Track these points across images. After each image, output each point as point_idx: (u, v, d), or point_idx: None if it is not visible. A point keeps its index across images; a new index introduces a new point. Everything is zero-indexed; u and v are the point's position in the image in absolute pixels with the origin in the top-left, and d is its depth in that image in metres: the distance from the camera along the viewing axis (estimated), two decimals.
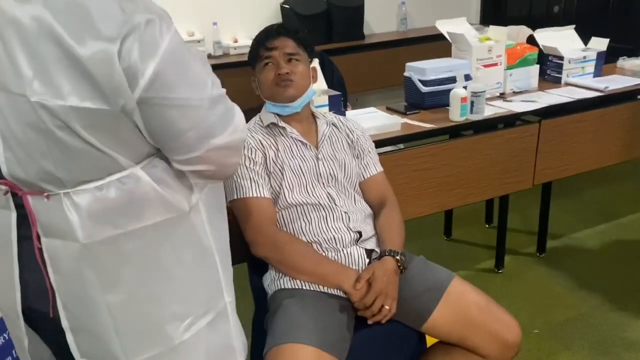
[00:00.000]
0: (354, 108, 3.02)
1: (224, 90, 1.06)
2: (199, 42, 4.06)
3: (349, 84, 3.57)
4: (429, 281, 1.64)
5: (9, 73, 0.90)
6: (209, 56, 4.08)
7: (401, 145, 2.50)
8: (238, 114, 1.08)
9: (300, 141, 1.69)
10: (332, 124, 1.79)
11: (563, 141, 2.63)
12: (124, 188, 1.00)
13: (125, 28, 0.89)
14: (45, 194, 0.98)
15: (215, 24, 4.15)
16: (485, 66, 2.59)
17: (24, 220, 1.02)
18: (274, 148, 1.65)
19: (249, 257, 1.68)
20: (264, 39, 1.67)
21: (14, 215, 1.03)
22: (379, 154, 2.33)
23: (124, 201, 1.00)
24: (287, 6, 4.28)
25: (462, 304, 1.60)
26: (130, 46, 0.89)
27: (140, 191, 1.02)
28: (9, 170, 0.98)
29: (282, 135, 1.69)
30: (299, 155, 1.68)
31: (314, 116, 1.78)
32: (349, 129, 1.81)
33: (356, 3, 4.46)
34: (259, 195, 1.60)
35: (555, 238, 3.03)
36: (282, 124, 1.68)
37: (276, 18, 4.38)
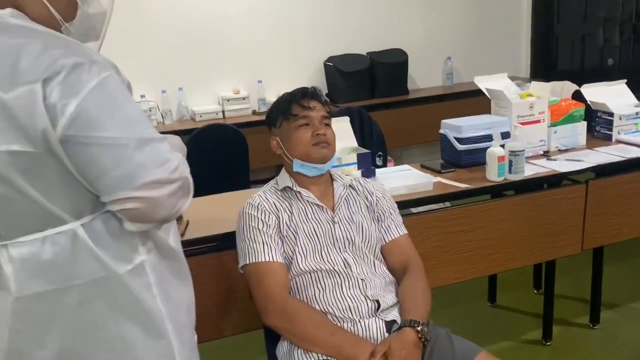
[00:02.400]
0: (397, 162, 2.96)
1: (162, 136, 1.04)
2: (244, 99, 4.14)
3: (393, 139, 3.53)
4: (451, 357, 1.51)
5: None
6: (254, 112, 4.14)
7: (448, 203, 2.39)
8: (174, 158, 1.03)
9: (315, 204, 1.62)
10: (350, 186, 1.72)
11: (614, 203, 2.44)
12: (60, 244, 1.01)
13: (50, 70, 0.93)
14: None
15: (260, 81, 4.23)
16: (527, 123, 2.47)
17: None
18: (288, 211, 1.59)
19: (265, 325, 1.60)
20: (300, 98, 1.65)
21: None
22: (412, 214, 2.25)
23: (59, 257, 1.02)
24: (330, 64, 4.32)
25: None
26: (53, 87, 0.93)
27: (76, 249, 1.02)
28: None
29: (298, 199, 1.63)
30: (313, 218, 1.60)
31: (331, 178, 1.71)
32: (368, 190, 1.73)
33: (400, 59, 4.46)
34: (270, 259, 1.53)
35: (609, 307, 2.78)
36: (297, 188, 1.63)
37: (320, 75, 4.43)
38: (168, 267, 1.14)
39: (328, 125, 1.67)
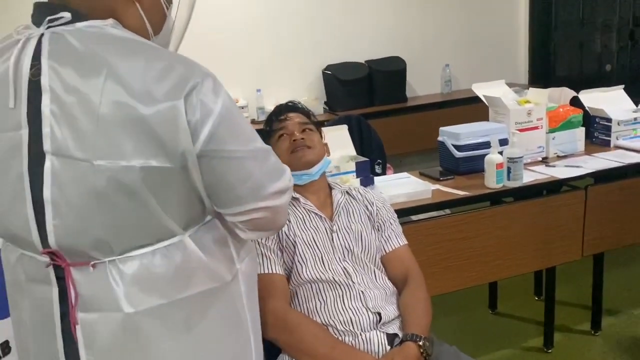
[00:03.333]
0: (396, 170, 2.95)
1: (270, 147, 1.10)
2: (242, 108, 4.14)
3: (392, 146, 3.52)
4: None
5: (69, 139, 0.92)
6: (253, 121, 4.14)
7: (448, 211, 2.39)
8: (287, 167, 1.12)
9: (314, 213, 1.62)
10: (347, 192, 1.72)
11: (614, 209, 2.44)
12: (171, 256, 0.99)
13: (188, 86, 0.93)
14: (92, 262, 0.97)
15: (259, 90, 4.24)
16: (525, 130, 2.48)
17: (65, 295, 1.00)
18: (286, 221, 1.59)
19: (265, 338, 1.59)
20: (277, 113, 1.70)
21: (55, 290, 1.01)
22: (412, 222, 2.24)
23: (170, 269, 0.99)
24: (328, 72, 4.33)
25: None
26: (193, 102, 0.93)
27: (186, 259, 1.01)
28: (56, 239, 0.96)
29: (295, 207, 1.62)
30: (312, 226, 1.60)
31: (330, 187, 1.71)
32: (368, 200, 1.72)
33: (398, 67, 4.46)
34: (270, 271, 1.53)
35: (611, 314, 2.77)
36: (295, 195, 1.62)
37: (318, 84, 4.43)
38: (252, 272, 1.16)
39: (308, 130, 1.68)
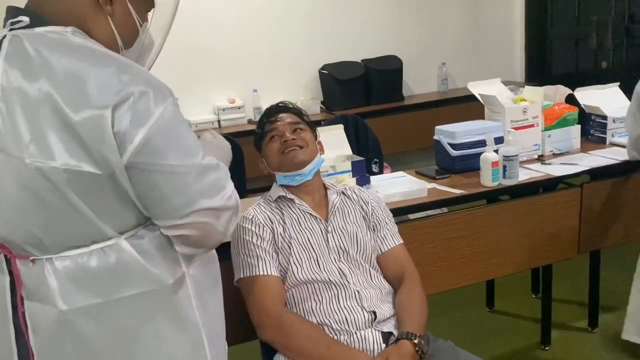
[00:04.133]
0: (394, 169, 2.96)
1: (217, 162, 1.08)
2: (239, 108, 4.14)
3: (390, 145, 3.53)
4: None
5: (9, 137, 0.97)
6: (249, 122, 4.15)
7: (445, 209, 2.40)
8: (229, 186, 1.09)
9: (309, 214, 1.62)
10: (342, 192, 1.72)
11: (609, 206, 2.44)
12: (106, 258, 1.03)
13: (119, 96, 0.95)
14: (31, 258, 1.02)
15: (255, 90, 4.24)
16: (521, 128, 2.48)
17: (15, 285, 1.05)
18: (281, 223, 1.59)
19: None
20: (267, 116, 1.70)
21: (7, 279, 1.06)
22: (408, 221, 2.25)
23: (105, 270, 1.03)
24: (325, 72, 4.33)
25: None
26: (122, 113, 0.95)
27: (122, 262, 1.03)
28: None
29: (290, 208, 1.62)
30: (307, 227, 1.60)
31: (325, 188, 1.71)
32: (363, 200, 1.72)
33: (394, 66, 4.47)
34: (266, 273, 1.53)
35: (608, 310, 2.77)
36: (290, 195, 1.63)
37: (315, 84, 4.43)
38: (205, 274, 1.16)
39: (300, 129, 1.67)
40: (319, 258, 1.58)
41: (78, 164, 0.96)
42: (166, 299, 1.08)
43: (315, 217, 1.63)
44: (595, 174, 2.43)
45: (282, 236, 1.57)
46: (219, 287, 1.21)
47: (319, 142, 1.72)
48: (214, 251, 1.20)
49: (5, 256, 1.05)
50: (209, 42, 4.10)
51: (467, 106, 3.91)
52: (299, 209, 1.63)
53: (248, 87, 4.23)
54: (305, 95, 4.34)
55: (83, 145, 0.95)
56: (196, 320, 1.12)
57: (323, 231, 1.62)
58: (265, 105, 4.41)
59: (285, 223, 1.59)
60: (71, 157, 0.95)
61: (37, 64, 0.97)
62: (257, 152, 1.73)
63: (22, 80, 0.97)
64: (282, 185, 1.65)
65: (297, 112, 1.71)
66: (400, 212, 2.11)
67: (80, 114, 0.94)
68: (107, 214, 1.01)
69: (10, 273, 1.05)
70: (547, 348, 2.57)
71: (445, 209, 2.40)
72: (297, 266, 1.56)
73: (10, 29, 1.01)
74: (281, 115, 1.68)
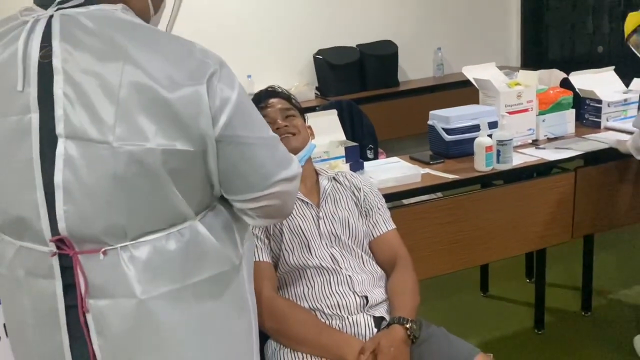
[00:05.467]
0: (389, 155, 2.95)
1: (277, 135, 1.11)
2: None
3: (385, 131, 3.51)
4: (447, 359, 1.50)
5: (85, 122, 0.91)
6: None
7: (440, 194, 2.39)
8: (293, 155, 1.13)
9: (300, 200, 1.62)
10: (334, 178, 1.71)
11: (603, 191, 2.44)
12: (183, 240, 0.99)
13: (209, 71, 0.94)
14: (103, 249, 0.95)
15: (249, 76, 4.21)
16: (515, 112, 2.47)
17: (69, 287, 0.98)
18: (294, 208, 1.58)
19: None
20: (258, 101, 1.67)
21: (59, 283, 0.98)
22: (402, 206, 2.24)
23: (182, 253, 0.99)
24: (320, 57, 4.30)
25: None
26: (215, 86, 0.94)
27: (198, 243, 1.01)
28: (67, 225, 0.94)
29: None
30: (298, 214, 1.60)
31: (317, 174, 1.70)
32: (355, 186, 1.71)
33: (390, 51, 4.44)
34: (257, 259, 1.52)
35: (601, 295, 2.79)
36: None
37: (309, 69, 4.41)
38: (250, 256, 1.17)
39: (292, 116, 1.66)
40: (310, 244, 1.57)
41: (171, 142, 0.92)
42: (233, 280, 1.08)
43: (307, 203, 1.62)
44: (589, 158, 2.43)
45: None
46: (252, 269, 1.21)
47: (309, 127, 1.71)
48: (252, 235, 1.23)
49: (62, 256, 0.96)
50: (202, 27, 4.06)
51: (463, 91, 3.89)
52: None
53: (242, 73, 4.19)
54: (300, 80, 4.32)
55: (178, 122, 0.92)
56: (248, 300, 1.13)
57: (314, 217, 1.61)
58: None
59: None
60: (164, 137, 0.91)
61: (107, 43, 0.92)
62: None
63: (93, 62, 0.91)
64: None
65: (286, 96, 1.69)
66: (394, 197, 2.11)
67: (174, 91, 0.91)
68: (190, 195, 0.98)
69: (65, 275, 0.97)
70: (540, 332, 2.58)
71: (439, 194, 2.40)
72: (288, 252, 1.56)
73: (59, 8, 0.95)
74: (271, 100, 1.65)
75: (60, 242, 0.95)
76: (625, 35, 2.27)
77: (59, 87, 0.91)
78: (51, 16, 0.94)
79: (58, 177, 0.92)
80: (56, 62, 0.91)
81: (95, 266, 0.96)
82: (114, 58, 0.91)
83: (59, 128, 0.91)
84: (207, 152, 0.96)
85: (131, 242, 0.96)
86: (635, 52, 2.27)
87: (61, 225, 0.94)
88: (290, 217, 1.58)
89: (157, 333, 0.99)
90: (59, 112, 0.91)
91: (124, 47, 0.91)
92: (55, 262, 0.97)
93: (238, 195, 1.03)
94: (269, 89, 1.70)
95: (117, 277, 0.96)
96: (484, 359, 1.51)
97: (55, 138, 0.91)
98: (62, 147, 0.91)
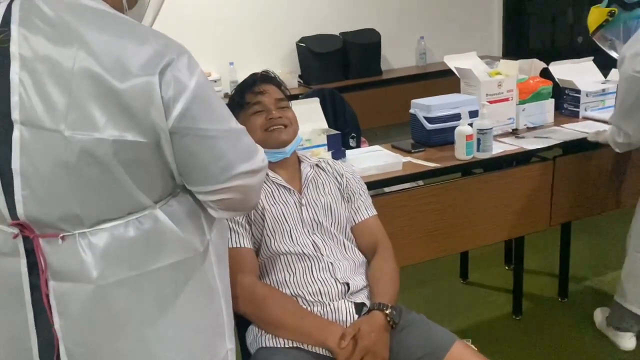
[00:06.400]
0: (372, 143, 2.96)
1: (244, 127, 1.10)
2: (215, 81, 4.08)
3: (368, 120, 3.52)
4: (427, 345, 1.52)
5: (39, 109, 0.91)
6: (226, 95, 4.10)
7: (420, 182, 2.42)
8: (259, 148, 1.12)
9: (283, 186, 1.62)
10: (317, 165, 1.72)
11: (581, 179, 2.48)
12: (143, 227, 1.00)
13: (163, 62, 0.93)
14: (61, 235, 0.96)
15: (232, 63, 4.18)
16: (496, 101, 2.49)
17: (33, 267, 0.99)
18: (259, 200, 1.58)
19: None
20: (251, 85, 1.65)
21: (23, 261, 0.99)
22: (384, 194, 2.26)
23: (141, 241, 1.00)
24: (302, 44, 4.29)
25: None
26: (168, 78, 0.93)
27: (158, 231, 1.01)
28: (25, 210, 0.95)
29: (264, 181, 1.62)
30: (281, 200, 1.60)
31: (299, 161, 1.71)
32: (337, 172, 1.72)
33: (373, 39, 4.43)
34: (238, 245, 1.53)
35: (577, 281, 2.84)
36: None
37: (292, 57, 4.39)
38: (221, 241, 1.16)
39: (285, 107, 1.65)
40: (292, 231, 1.58)
41: (122, 133, 0.91)
42: (197, 267, 1.08)
43: (289, 189, 1.63)
44: (568, 147, 2.46)
45: (255, 209, 1.57)
46: (227, 254, 1.21)
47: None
48: (225, 220, 1.22)
49: (25, 237, 0.98)
50: (184, 13, 4.01)
51: (445, 80, 3.91)
52: (273, 182, 1.62)
53: (224, 60, 4.16)
54: (283, 68, 4.30)
55: (129, 113, 0.91)
56: (217, 287, 1.13)
57: (297, 204, 1.62)
58: (242, 79, 4.35)
59: None
60: (115, 127, 0.91)
61: (63, 30, 0.91)
62: None
63: (49, 48, 0.90)
64: None
65: (279, 84, 1.68)
66: (375, 185, 2.12)
67: (126, 81, 0.90)
68: (146, 184, 0.98)
69: (29, 254, 0.98)
70: (518, 318, 2.63)
71: (420, 182, 2.42)
72: (270, 238, 1.56)
73: None
74: (266, 87, 1.63)
75: (21, 226, 0.97)
76: (590, 32, 2.27)
77: (15, 72, 0.91)
78: (12, 0, 0.94)
79: (16, 164, 0.93)
80: (13, 48, 0.91)
81: (56, 250, 0.98)
82: (68, 44, 0.90)
83: (15, 114, 0.91)
84: (160, 143, 0.95)
85: (89, 229, 0.97)
86: (602, 47, 2.29)
87: (19, 210, 0.95)
88: (272, 203, 1.59)
89: (114, 318, 1.00)
90: (14, 98, 0.91)
91: (79, 33, 0.91)
92: (20, 242, 0.98)
93: (198, 186, 1.03)
94: (264, 73, 1.68)
95: (75, 262, 0.98)
96: (463, 346, 1.53)
97: (11, 123, 0.92)
98: (17, 133, 0.91)
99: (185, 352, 1.07)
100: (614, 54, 2.24)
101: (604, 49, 2.29)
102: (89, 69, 0.89)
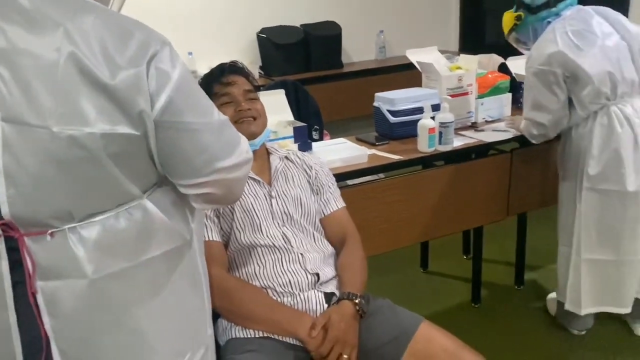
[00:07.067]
0: (333, 136, 2.98)
1: (226, 117, 1.09)
2: None
3: (329, 113, 3.53)
4: (394, 329, 1.55)
5: (22, 105, 0.87)
6: None
7: (382, 175, 2.45)
8: (243, 139, 1.11)
9: (252, 178, 1.62)
10: (286, 157, 1.73)
11: (537, 171, 2.58)
12: (133, 218, 0.99)
13: (150, 52, 0.92)
14: (50, 231, 0.93)
15: (190, 53, 4.12)
16: (456, 95, 2.55)
17: (16, 267, 0.96)
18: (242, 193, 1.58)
19: None
20: (219, 75, 1.64)
21: (5, 262, 0.96)
22: (348, 186, 2.29)
23: (132, 232, 0.99)
24: (263, 35, 4.27)
25: (429, 352, 1.51)
26: (154, 67, 0.92)
27: (147, 220, 1.00)
28: (10, 209, 0.92)
29: None
30: (250, 193, 1.61)
31: (268, 153, 1.71)
32: (307, 164, 1.74)
33: (333, 32, 4.45)
34: (207, 238, 1.52)
35: (532, 269, 2.96)
36: None
37: (253, 48, 4.36)
38: (200, 230, 1.17)
39: (253, 99, 1.65)
40: (262, 223, 1.59)
41: (113, 127, 0.90)
42: (186, 255, 1.08)
43: (259, 181, 1.63)
44: (524, 140, 2.54)
45: None
46: (203, 242, 1.22)
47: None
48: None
49: (8, 237, 0.94)
50: (141, 3, 3.93)
51: (405, 74, 3.98)
52: None
53: (183, 49, 4.10)
54: (243, 59, 4.20)
55: (119, 105, 0.90)
56: (200, 274, 1.14)
57: (267, 196, 1.62)
58: (201, 70, 4.30)
59: None
60: (105, 121, 0.89)
61: (42, 21, 0.88)
62: None
63: (29, 40, 0.87)
64: None
65: (247, 75, 1.68)
66: (341, 177, 2.14)
67: (114, 73, 0.89)
68: (134, 174, 0.97)
69: (11, 254, 0.95)
70: (477, 306, 2.72)
71: (382, 175, 2.46)
72: (239, 231, 1.57)
73: None
74: (234, 78, 1.63)
75: (5, 226, 0.94)
76: (505, 35, 2.44)
77: None
78: None
79: None
80: None
81: (43, 248, 0.95)
82: (51, 36, 0.88)
83: None
84: (147, 133, 0.95)
85: (79, 224, 0.95)
86: (517, 48, 2.45)
87: (4, 210, 0.92)
88: (242, 196, 1.59)
89: (111, 311, 0.99)
90: None
91: (60, 24, 0.89)
92: (1, 243, 0.95)
93: (180, 179, 1.03)
94: (232, 64, 1.67)
95: (66, 258, 0.95)
96: (429, 326, 1.58)
97: None
98: (0, 131, 0.89)
99: (180, 340, 1.08)
100: (527, 54, 2.36)
101: (518, 49, 2.45)
102: (75, 61, 0.88)
